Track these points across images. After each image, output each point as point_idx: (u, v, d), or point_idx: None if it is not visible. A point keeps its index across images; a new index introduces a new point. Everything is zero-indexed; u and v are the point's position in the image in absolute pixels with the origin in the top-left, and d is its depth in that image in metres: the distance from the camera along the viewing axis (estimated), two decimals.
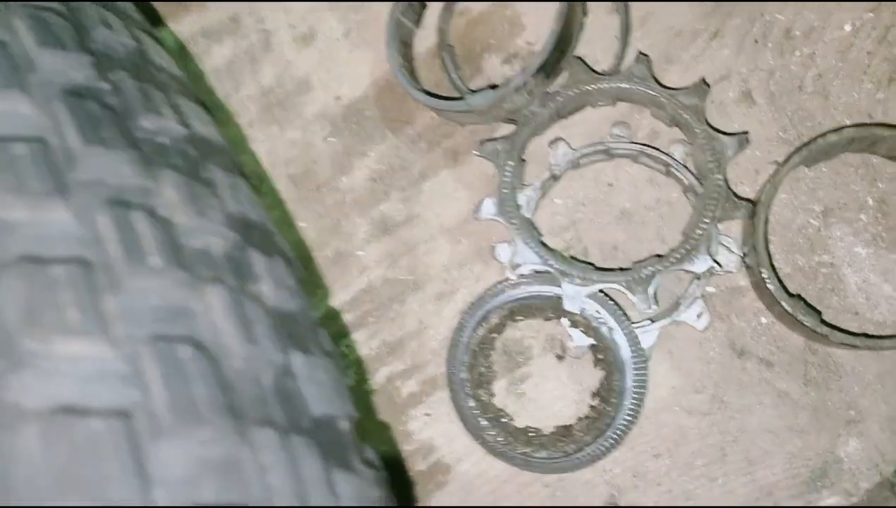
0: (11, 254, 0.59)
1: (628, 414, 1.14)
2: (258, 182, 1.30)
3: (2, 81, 0.67)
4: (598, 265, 1.19)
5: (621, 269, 1.16)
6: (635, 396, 1.14)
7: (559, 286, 1.16)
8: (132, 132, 0.73)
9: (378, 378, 1.24)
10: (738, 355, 1.16)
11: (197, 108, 0.88)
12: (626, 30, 1.25)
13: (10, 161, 0.63)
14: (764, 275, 1.09)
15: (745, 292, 1.17)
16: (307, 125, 1.31)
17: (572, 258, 1.21)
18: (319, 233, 1.28)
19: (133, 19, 0.91)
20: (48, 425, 0.55)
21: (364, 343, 1.25)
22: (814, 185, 1.18)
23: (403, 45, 1.27)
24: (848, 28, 1.21)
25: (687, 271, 1.14)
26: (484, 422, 1.18)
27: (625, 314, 1.16)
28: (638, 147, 1.19)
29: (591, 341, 1.17)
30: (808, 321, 1.08)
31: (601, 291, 1.16)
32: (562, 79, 1.22)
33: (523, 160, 1.22)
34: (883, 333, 1.14)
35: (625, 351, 1.15)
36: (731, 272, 1.15)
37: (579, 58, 1.22)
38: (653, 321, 1.16)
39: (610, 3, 1.26)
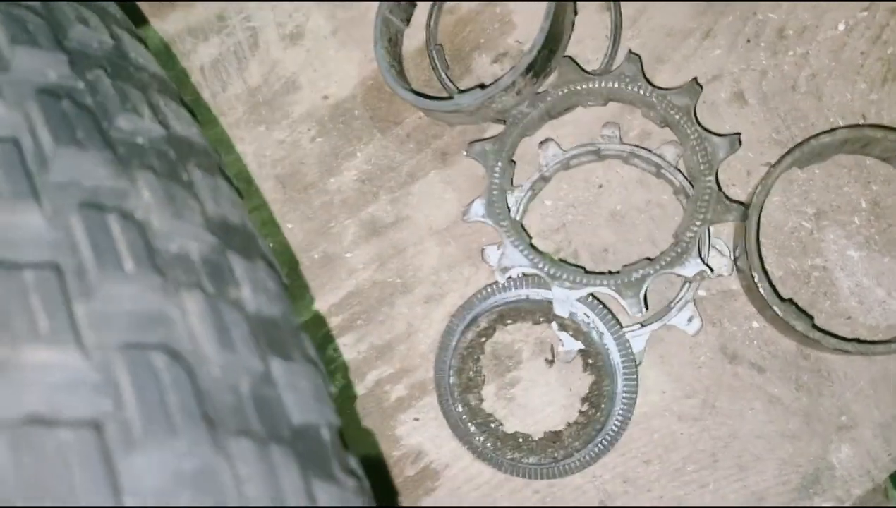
0: None
1: (618, 420, 1.12)
2: (246, 184, 1.28)
3: None
4: (588, 268, 1.17)
5: (611, 273, 1.14)
6: (625, 401, 1.12)
7: (549, 289, 1.14)
8: (108, 132, 0.71)
9: (366, 382, 1.22)
10: (730, 360, 1.15)
11: (178, 108, 0.86)
12: (616, 29, 1.23)
13: None
14: (755, 279, 1.07)
15: (736, 296, 1.16)
16: (294, 125, 1.30)
17: (562, 261, 1.19)
18: (307, 234, 1.27)
19: (113, 17, 0.89)
20: (16, 435, 0.53)
21: (352, 346, 1.23)
22: (806, 187, 1.17)
23: (392, 43, 1.26)
24: (841, 27, 1.20)
25: (678, 274, 1.13)
26: (473, 427, 1.17)
27: (615, 318, 1.15)
28: (629, 148, 1.18)
29: (581, 345, 1.16)
30: (800, 325, 1.06)
31: (591, 295, 1.14)
32: (552, 78, 1.20)
33: (513, 161, 1.20)
34: (875, 338, 1.12)
35: (615, 355, 1.14)
36: (722, 275, 1.14)
37: (569, 57, 1.21)
38: (643, 325, 1.15)
39: (601, 2, 1.25)
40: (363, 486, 0.78)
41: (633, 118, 1.22)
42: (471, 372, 1.19)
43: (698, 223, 1.11)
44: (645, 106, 1.18)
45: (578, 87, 1.18)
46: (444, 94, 1.25)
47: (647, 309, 1.13)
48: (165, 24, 1.35)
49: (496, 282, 1.17)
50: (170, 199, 0.72)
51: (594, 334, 1.14)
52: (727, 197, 1.13)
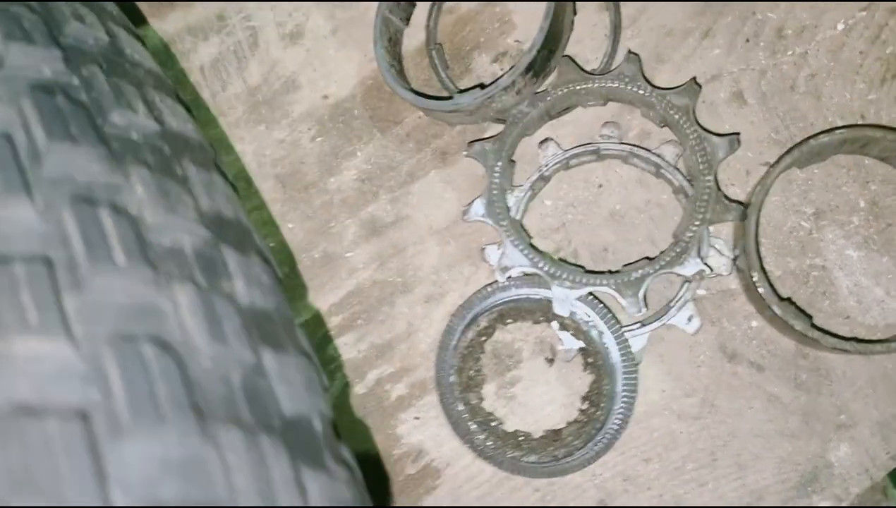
0: None
1: (618, 418, 1.13)
2: (245, 183, 1.28)
3: None
4: (587, 267, 1.18)
5: (611, 272, 1.15)
6: (625, 400, 1.13)
7: (549, 289, 1.15)
8: (102, 128, 0.72)
9: (367, 381, 1.23)
10: (729, 359, 1.15)
11: (174, 104, 0.87)
12: (616, 28, 1.23)
13: None
14: (755, 278, 1.08)
15: (735, 295, 1.16)
16: (294, 124, 1.30)
17: (562, 260, 1.20)
18: (307, 234, 1.27)
19: (110, 14, 0.89)
20: (4, 425, 0.54)
21: (352, 345, 1.24)
22: (805, 187, 1.17)
23: (391, 43, 1.26)
24: (840, 27, 1.20)
25: (677, 274, 1.13)
26: (473, 426, 1.17)
27: (615, 317, 1.15)
28: (628, 148, 1.18)
29: (581, 344, 1.16)
30: (799, 325, 1.07)
31: (591, 294, 1.15)
32: (551, 78, 1.21)
33: (512, 161, 1.21)
34: (874, 337, 1.13)
35: (615, 354, 1.14)
36: (721, 275, 1.14)
37: (569, 57, 1.21)
38: (643, 324, 1.15)
39: (600, 2, 1.25)
40: (355, 477, 0.78)
41: (632, 118, 1.22)
42: (471, 371, 1.19)
43: (698, 223, 1.12)
44: (644, 106, 1.19)
45: (578, 87, 1.18)
46: (444, 94, 1.25)
47: (646, 308, 1.13)
48: (165, 23, 1.35)
49: (496, 282, 1.18)
50: (163, 194, 0.73)
51: (594, 333, 1.15)
52: (726, 196, 1.14)
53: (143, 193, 0.71)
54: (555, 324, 1.17)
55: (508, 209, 1.18)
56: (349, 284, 1.25)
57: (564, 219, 1.21)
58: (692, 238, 1.12)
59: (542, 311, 1.18)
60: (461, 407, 1.17)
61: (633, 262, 1.16)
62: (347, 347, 1.24)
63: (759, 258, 1.11)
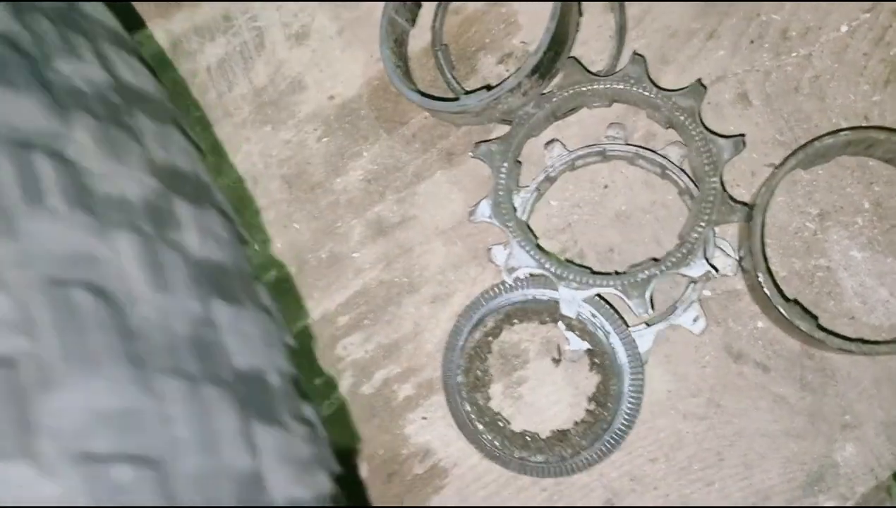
0: None
1: (625, 419, 1.14)
2: (252, 183, 1.29)
3: None
4: (594, 268, 1.18)
5: (617, 273, 1.15)
6: (632, 400, 1.14)
7: (555, 290, 1.15)
8: (44, 74, 0.69)
9: (374, 381, 1.23)
10: (735, 359, 1.16)
11: (133, 61, 0.83)
12: (621, 30, 1.24)
13: None
14: (760, 279, 1.08)
15: (741, 296, 1.17)
16: (300, 125, 1.30)
17: (568, 261, 1.20)
18: (314, 234, 1.27)
19: None
20: None
21: (359, 345, 1.24)
22: (810, 188, 1.18)
23: (397, 44, 1.26)
24: (844, 29, 1.21)
25: (683, 275, 1.13)
26: (480, 426, 1.18)
27: (621, 318, 1.15)
28: (634, 149, 1.19)
29: (588, 345, 1.17)
30: (804, 325, 1.07)
31: (597, 295, 1.15)
32: (557, 79, 1.21)
33: (518, 162, 1.21)
34: (879, 338, 1.14)
35: (621, 355, 1.15)
36: (727, 276, 1.15)
37: (575, 58, 1.21)
38: (649, 325, 1.16)
39: (605, 3, 1.25)
40: (316, 434, 0.77)
41: (637, 119, 1.22)
42: (478, 372, 1.20)
43: (703, 224, 1.12)
44: (650, 107, 1.19)
45: (583, 88, 1.18)
46: (450, 95, 1.26)
47: (652, 309, 1.14)
48: (171, 24, 1.35)
49: (503, 283, 1.18)
50: (108, 143, 0.70)
51: (601, 334, 1.15)
52: (732, 198, 1.14)
53: (87, 140, 0.68)
54: (561, 325, 1.18)
55: (514, 210, 1.18)
56: (356, 284, 1.26)
57: (570, 220, 1.22)
58: (698, 239, 1.12)
59: (548, 312, 1.19)
60: (468, 408, 1.18)
61: (639, 263, 1.17)
62: (354, 347, 1.24)
63: (765, 259, 1.11)
